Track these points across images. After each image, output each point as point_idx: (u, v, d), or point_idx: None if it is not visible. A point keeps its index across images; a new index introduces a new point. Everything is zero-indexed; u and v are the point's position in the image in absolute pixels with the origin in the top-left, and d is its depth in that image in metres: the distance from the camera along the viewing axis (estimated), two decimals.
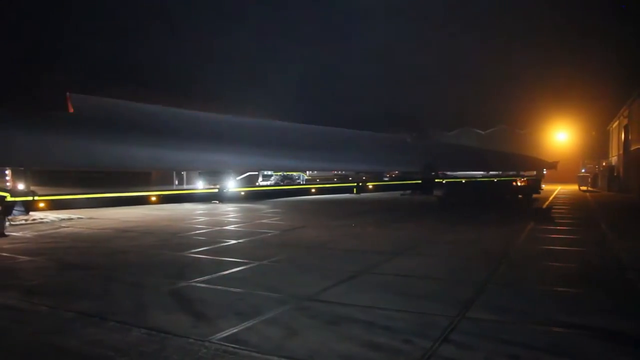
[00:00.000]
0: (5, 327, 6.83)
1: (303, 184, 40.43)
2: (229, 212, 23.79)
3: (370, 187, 22.82)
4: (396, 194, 32.00)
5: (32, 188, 15.45)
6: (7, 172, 17.39)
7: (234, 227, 18.01)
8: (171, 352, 5.77)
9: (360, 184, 22.58)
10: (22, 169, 15.60)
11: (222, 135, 17.94)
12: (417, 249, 13.14)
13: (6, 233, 15.51)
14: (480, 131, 74.46)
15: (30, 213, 15.98)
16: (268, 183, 38.85)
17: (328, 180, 42.41)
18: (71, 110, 15.73)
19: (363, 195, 25.45)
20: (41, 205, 14.78)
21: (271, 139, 19.47)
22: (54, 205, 15.45)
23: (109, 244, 14.39)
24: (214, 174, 29.03)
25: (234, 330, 6.48)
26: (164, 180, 37.57)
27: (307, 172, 43.26)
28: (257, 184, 35.23)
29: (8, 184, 17.01)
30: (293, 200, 27.92)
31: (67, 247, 13.82)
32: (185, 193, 21.50)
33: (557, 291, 8.65)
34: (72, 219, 20.11)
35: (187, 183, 36.79)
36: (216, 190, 19.98)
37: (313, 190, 22.14)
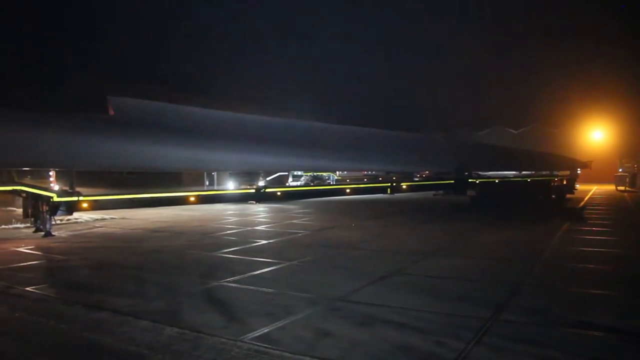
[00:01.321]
0: (43, 324, 6.97)
1: (333, 184, 40.42)
2: (260, 212, 23.90)
3: (404, 187, 22.69)
4: (429, 194, 31.81)
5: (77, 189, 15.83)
6: (52, 173, 17.85)
7: (265, 227, 18.09)
8: (204, 352, 5.81)
9: (394, 184, 22.45)
10: (67, 170, 16.03)
11: (254, 136, 18.11)
12: (449, 250, 13.00)
13: (53, 232, 15.90)
14: (512, 130, 73.21)
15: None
16: (298, 183, 38.94)
17: (358, 180, 42.24)
18: (111, 112, 16.19)
19: (397, 195, 25.28)
20: (84, 205, 15.21)
21: (302, 140, 19.52)
22: (94, 206, 15.87)
23: (142, 243, 14.60)
24: (244, 174, 29.23)
25: (266, 330, 6.49)
26: (195, 180, 37.90)
27: (337, 172, 43.18)
28: (287, 184, 35.37)
29: (52, 184, 17.46)
30: (323, 200, 27.88)
31: (101, 246, 14.07)
32: (222, 193, 21.71)
33: (593, 294, 8.44)
34: (105, 219, 20.48)
35: (218, 184, 37.05)
36: (253, 191, 20.23)
37: (348, 190, 22.14)
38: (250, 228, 17.78)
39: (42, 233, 15.81)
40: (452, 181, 23.97)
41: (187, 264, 11.41)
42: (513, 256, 12.01)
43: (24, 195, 15.42)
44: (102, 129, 15.73)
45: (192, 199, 17.73)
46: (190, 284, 9.27)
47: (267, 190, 20.04)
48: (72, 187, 15.77)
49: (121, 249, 13.70)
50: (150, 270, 10.74)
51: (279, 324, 6.77)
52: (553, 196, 28.22)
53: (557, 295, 8.42)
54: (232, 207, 25.77)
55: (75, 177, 15.83)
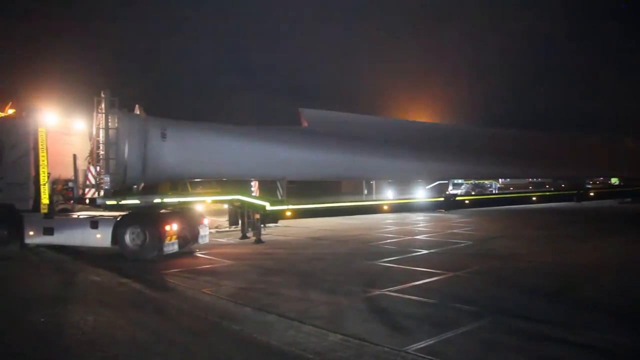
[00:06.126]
0: (216, 323, 7.42)
1: (495, 193, 38.68)
2: (419, 221, 23.52)
3: (592, 194, 20.87)
4: (616, 202, 28.97)
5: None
6: (254, 182, 18.87)
7: (425, 236, 17.72)
8: None
9: (581, 191, 20.72)
10: (278, 180, 17.00)
11: (420, 142, 18.06)
12: (633, 266, 11.63)
13: (263, 239, 16.68)
14: None
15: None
16: (458, 192, 37.75)
17: (522, 188, 39.99)
18: (305, 124, 17.14)
19: (584, 203, 23.11)
20: (288, 214, 16.13)
21: (467, 145, 18.97)
22: (297, 215, 16.84)
23: (305, 250, 15.06)
24: (403, 183, 29.05)
25: (430, 342, 6.25)
26: (354, 189, 38.33)
27: (500, 179, 41.20)
28: (447, 192, 34.45)
29: (254, 194, 18.48)
30: (486, 209, 26.55)
31: (266, 252, 14.75)
32: (409, 202, 21.73)
33: None
34: (269, 226, 21.33)
35: (376, 192, 37.12)
36: (441, 199, 20.23)
37: (534, 198, 21.06)
38: (410, 237, 17.54)
39: (252, 240, 16.69)
40: None
41: (348, 271, 11.51)
42: None
43: (237, 204, 16.53)
44: (301, 139, 16.69)
45: (385, 207, 18.40)
46: (352, 292, 9.31)
47: (457, 198, 19.98)
48: (282, 197, 16.67)
49: (285, 255, 14.26)
50: (314, 276, 11.01)
51: (444, 336, 6.49)
52: None
53: None
54: (390, 216, 25.51)
55: (285, 187, 16.74)
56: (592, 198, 21.54)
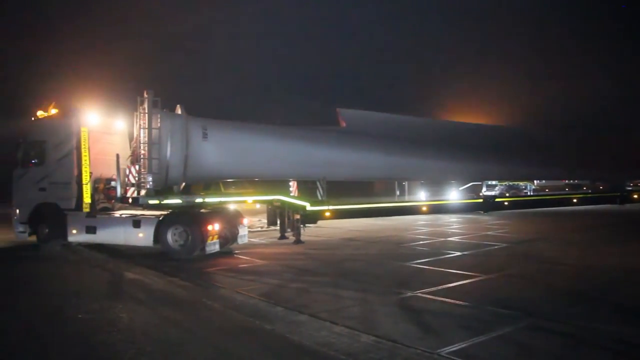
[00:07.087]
0: (250, 323, 7.50)
1: (530, 194, 38.05)
2: (452, 223, 23.29)
3: (636, 196, 20.19)
4: None
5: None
6: (292, 183, 18.77)
7: (458, 238, 17.54)
8: None
9: (625, 193, 20.06)
10: (319, 180, 16.97)
11: (459, 143, 17.89)
12: None
13: (302, 239, 16.74)
14: None
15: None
16: (492, 193, 37.30)
17: (558, 189, 39.26)
18: (343, 124, 17.11)
19: (627, 206, 22.28)
20: (327, 214, 16.15)
21: (506, 146, 18.73)
22: (337, 215, 16.81)
23: (337, 251, 15.07)
24: (436, 184, 28.86)
25: (463, 345, 6.20)
26: (386, 190, 38.18)
27: (535, 181, 40.50)
28: (480, 194, 34.08)
29: (292, 194, 18.42)
30: (521, 211, 26.04)
31: (301, 253, 14.82)
32: (447, 203, 21.43)
33: None
34: (300, 227, 21.32)
35: (408, 193, 36.92)
36: (480, 200, 20.02)
37: (575, 200, 20.58)
38: (443, 239, 17.39)
39: (291, 240, 16.80)
40: None
41: (381, 272, 11.50)
42: None
43: (277, 204, 16.58)
44: (342, 140, 16.67)
45: (424, 208, 18.37)
46: (384, 293, 9.30)
47: (496, 200, 19.74)
48: (322, 197, 16.64)
49: (337, 256, 14.28)
50: (347, 277, 11.03)
51: (477, 339, 6.43)
52: None
53: None
54: (422, 217, 25.18)
55: (325, 188, 16.71)
56: (636, 200, 20.81)
